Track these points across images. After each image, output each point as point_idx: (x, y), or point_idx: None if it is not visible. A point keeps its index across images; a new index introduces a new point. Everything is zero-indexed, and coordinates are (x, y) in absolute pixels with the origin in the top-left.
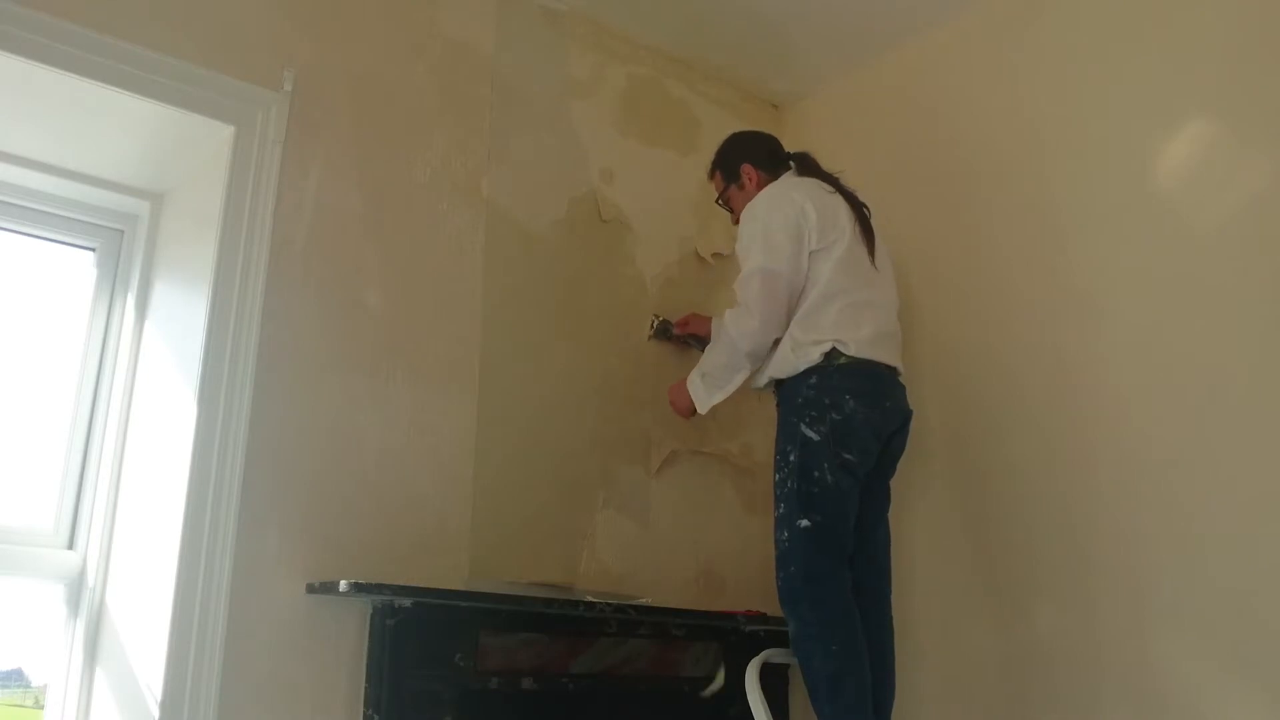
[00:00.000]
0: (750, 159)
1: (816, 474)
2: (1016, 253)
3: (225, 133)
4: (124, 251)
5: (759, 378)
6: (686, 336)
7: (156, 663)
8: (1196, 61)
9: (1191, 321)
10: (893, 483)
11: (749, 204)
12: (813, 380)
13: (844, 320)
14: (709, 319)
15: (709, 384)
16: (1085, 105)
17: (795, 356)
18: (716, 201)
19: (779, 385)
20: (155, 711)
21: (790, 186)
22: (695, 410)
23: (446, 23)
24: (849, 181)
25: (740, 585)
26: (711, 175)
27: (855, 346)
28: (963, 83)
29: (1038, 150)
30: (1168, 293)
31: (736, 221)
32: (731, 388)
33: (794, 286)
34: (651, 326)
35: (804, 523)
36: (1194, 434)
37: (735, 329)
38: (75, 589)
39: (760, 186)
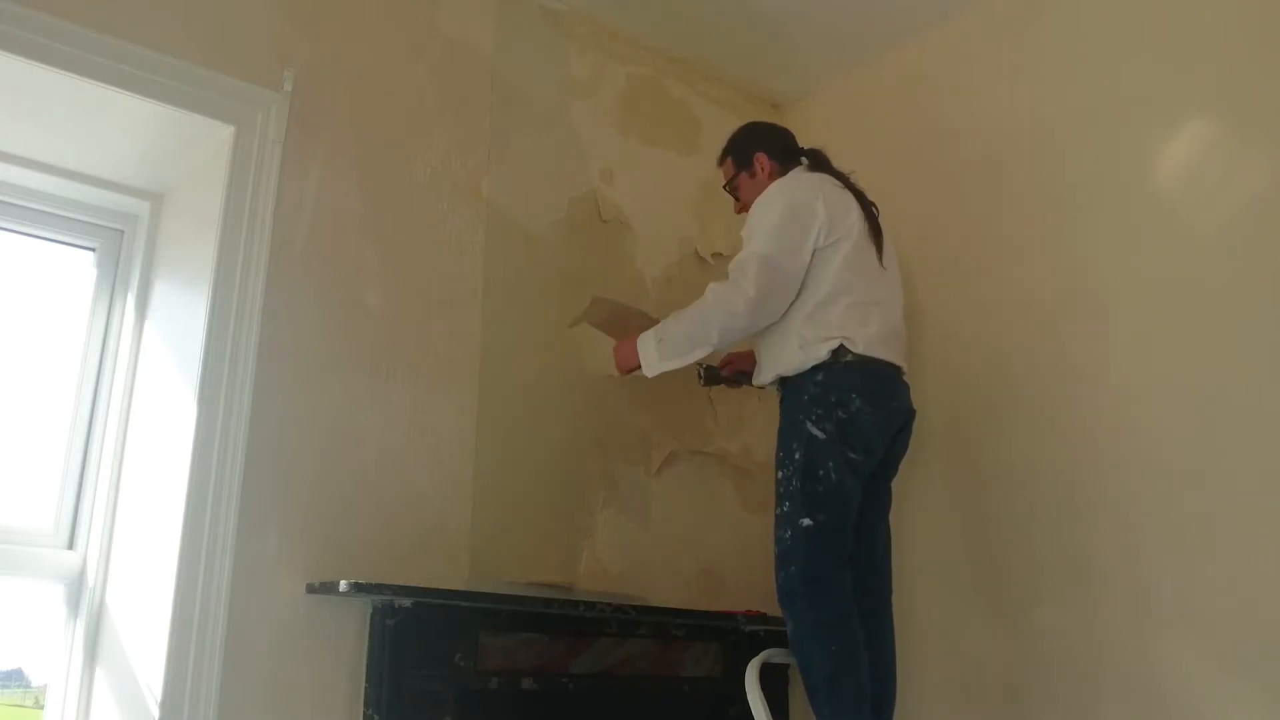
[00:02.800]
0: (765, 149)
1: (822, 472)
2: (1017, 252)
3: (225, 133)
4: (124, 251)
5: (764, 374)
6: (736, 375)
7: (156, 663)
8: (1197, 61)
9: (1195, 322)
10: (894, 483)
11: (764, 192)
12: (819, 378)
13: (851, 318)
14: (752, 354)
15: (664, 350)
16: (1085, 105)
17: (803, 353)
18: (724, 187)
19: (783, 383)
20: (155, 711)
21: (805, 181)
22: (636, 370)
23: (446, 23)
24: (855, 181)
25: (740, 585)
26: (722, 161)
27: (863, 344)
28: (963, 82)
29: (1038, 150)
30: (1171, 292)
31: (739, 210)
32: (686, 360)
33: (792, 284)
34: (699, 376)
35: (806, 521)
36: (1196, 434)
37: (719, 304)
38: (75, 589)
39: (772, 177)
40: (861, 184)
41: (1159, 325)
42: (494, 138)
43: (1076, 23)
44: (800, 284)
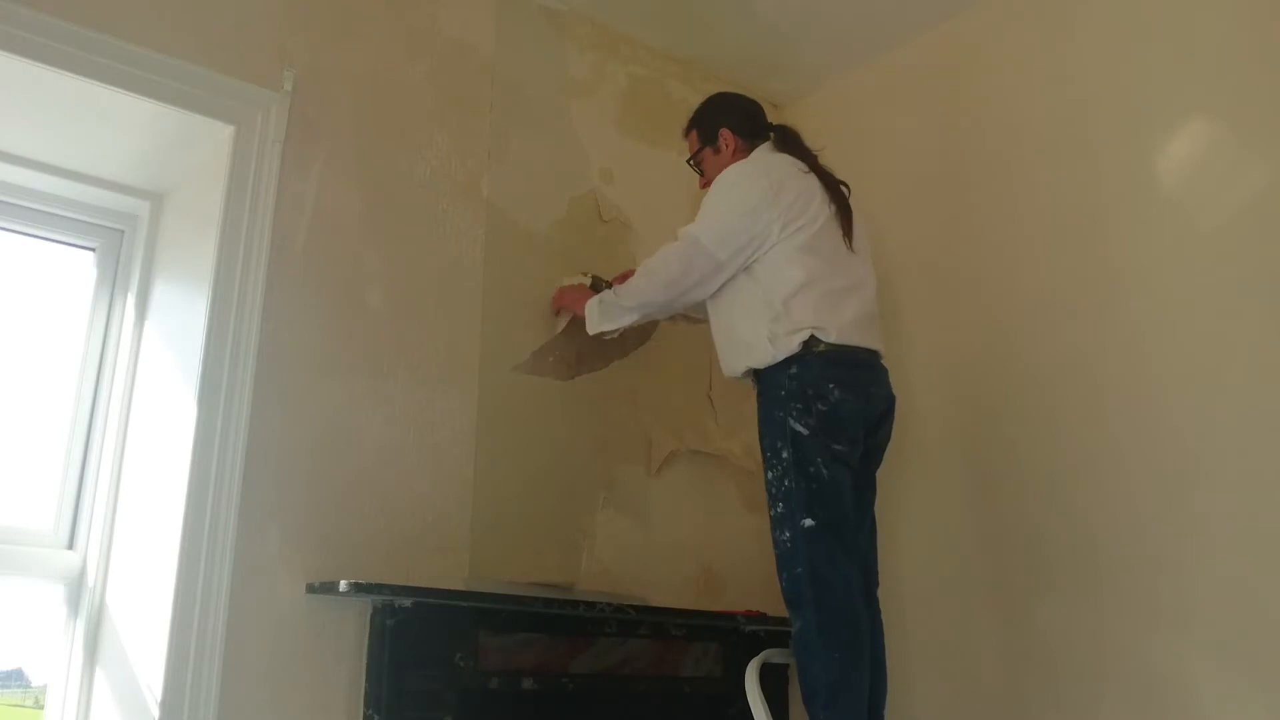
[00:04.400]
0: (730, 124)
1: (812, 469)
2: (1017, 250)
3: (225, 133)
4: (124, 251)
5: (735, 367)
6: (559, 310)
7: (156, 663)
8: (1197, 61)
9: (1197, 320)
10: (893, 476)
11: (723, 171)
12: (793, 370)
13: (823, 307)
14: (585, 295)
15: (604, 311)
16: (1086, 103)
17: (774, 347)
18: (688, 161)
19: (757, 376)
20: (155, 711)
21: (767, 164)
22: (568, 317)
23: (446, 23)
24: (846, 175)
25: (740, 585)
26: (687, 133)
27: (836, 332)
28: (963, 82)
29: (1039, 148)
30: (1172, 291)
31: (703, 186)
32: (618, 326)
33: (719, 272)
34: (584, 274)
35: (808, 522)
36: (1198, 432)
37: (648, 274)
38: (75, 589)
39: (737, 155)
40: (861, 182)
41: (1161, 324)
42: (494, 138)
43: (1077, 22)
44: (729, 274)
